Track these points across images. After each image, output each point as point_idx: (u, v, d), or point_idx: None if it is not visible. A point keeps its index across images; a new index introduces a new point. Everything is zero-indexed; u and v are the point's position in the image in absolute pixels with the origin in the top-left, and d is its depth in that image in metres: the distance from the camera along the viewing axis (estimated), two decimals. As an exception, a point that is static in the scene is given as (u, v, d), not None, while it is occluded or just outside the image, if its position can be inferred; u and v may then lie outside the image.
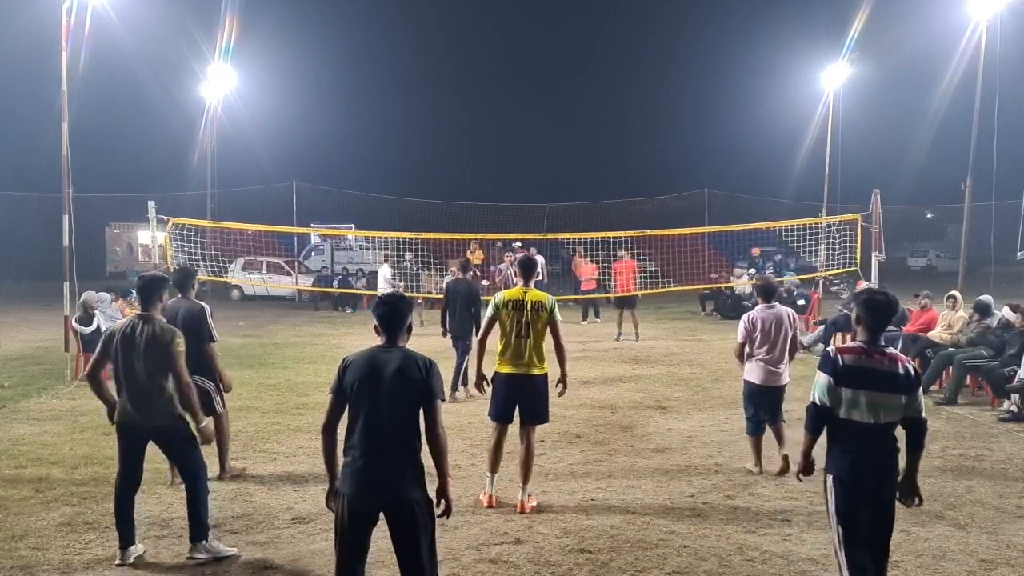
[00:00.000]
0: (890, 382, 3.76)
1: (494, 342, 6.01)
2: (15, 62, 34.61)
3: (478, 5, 77.69)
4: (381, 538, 3.84)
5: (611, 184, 46.06)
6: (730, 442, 7.73)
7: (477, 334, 9.83)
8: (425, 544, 3.65)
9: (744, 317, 6.98)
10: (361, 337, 15.11)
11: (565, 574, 4.78)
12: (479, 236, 22.33)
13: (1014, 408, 8.79)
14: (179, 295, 6.52)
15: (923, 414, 3.85)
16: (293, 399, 9.84)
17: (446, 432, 3.78)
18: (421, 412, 3.70)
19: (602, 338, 15.95)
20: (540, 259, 17.33)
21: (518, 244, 21.08)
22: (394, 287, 17.98)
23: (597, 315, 18.98)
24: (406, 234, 20.63)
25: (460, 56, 72.35)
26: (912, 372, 3.83)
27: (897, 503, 3.87)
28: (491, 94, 71.94)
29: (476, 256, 22.11)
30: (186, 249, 16.27)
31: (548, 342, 5.94)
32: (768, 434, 6.82)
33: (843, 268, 17.32)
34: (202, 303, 6.45)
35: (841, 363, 3.80)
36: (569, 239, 20.39)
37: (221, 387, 6.51)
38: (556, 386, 6.04)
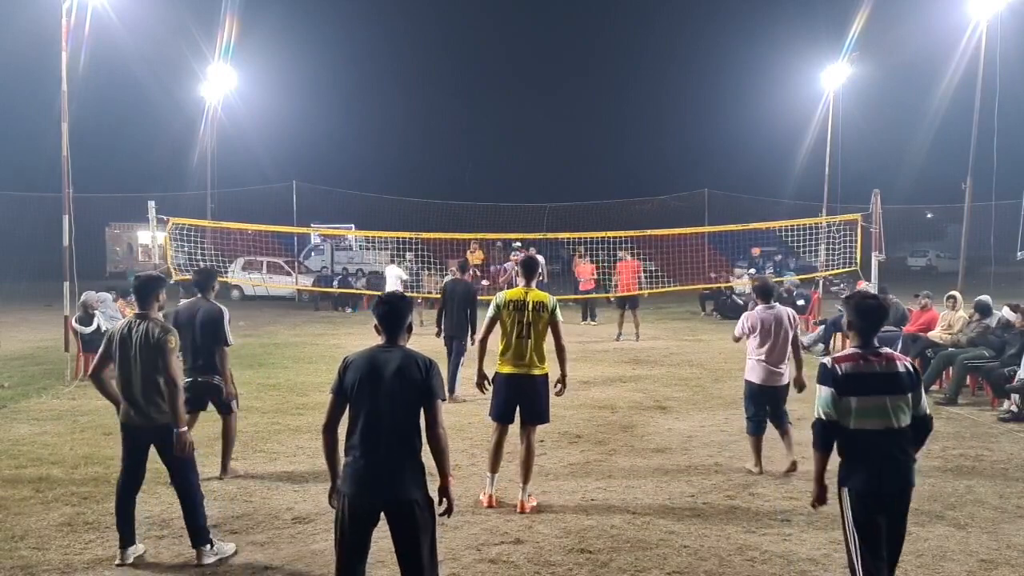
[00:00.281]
0: (893, 383, 3.73)
1: (494, 342, 6.01)
2: (15, 62, 34.68)
3: (478, 5, 77.80)
4: (381, 538, 3.84)
5: (611, 184, 46.13)
6: (730, 442, 7.73)
7: (472, 334, 9.89)
8: (425, 544, 3.65)
9: (744, 316, 7.02)
10: (361, 337, 15.11)
11: (565, 574, 4.78)
12: (479, 236, 22.33)
13: (1014, 408, 8.79)
14: (199, 295, 6.54)
15: (928, 412, 3.84)
16: (293, 399, 9.84)
17: (446, 432, 3.78)
18: (422, 412, 3.71)
19: (602, 338, 15.95)
20: (540, 259, 17.32)
21: (518, 244, 21.08)
22: (406, 284, 18.03)
23: (593, 317, 18.95)
24: (406, 234, 20.63)
25: (460, 56, 72.46)
26: (912, 369, 3.81)
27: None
28: (491, 94, 72.07)
29: (476, 256, 22.11)
30: (186, 249, 16.26)
31: (549, 342, 5.94)
32: (769, 434, 6.82)
33: (843, 268, 17.31)
34: (221, 306, 6.47)
35: (840, 372, 3.74)
36: (569, 239, 20.38)
37: (235, 388, 6.55)
38: (555, 386, 6.04)
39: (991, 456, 7.33)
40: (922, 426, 3.82)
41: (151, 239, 15.99)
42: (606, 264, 18.15)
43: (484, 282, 20.68)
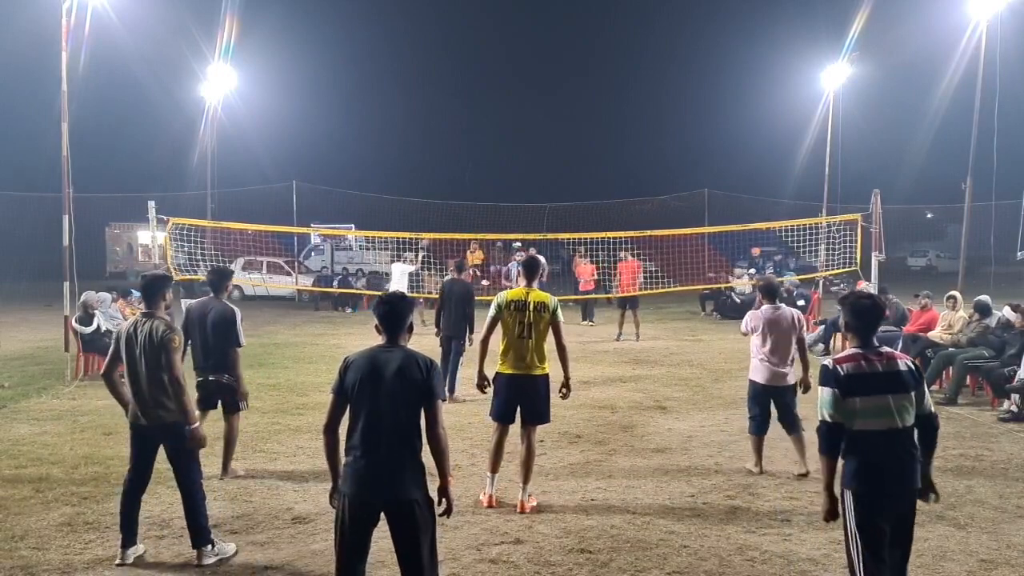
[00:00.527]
0: (896, 382, 3.70)
1: (495, 342, 6.00)
2: (15, 62, 34.68)
3: (478, 5, 77.71)
4: (381, 538, 3.84)
5: (611, 184, 46.08)
6: (730, 442, 7.73)
7: (470, 334, 9.89)
8: (426, 544, 3.65)
9: (748, 314, 7.03)
10: (361, 337, 15.12)
11: (565, 574, 4.78)
12: (479, 236, 22.34)
13: (1014, 408, 8.79)
14: (212, 295, 6.55)
15: (932, 410, 3.80)
16: (293, 399, 9.84)
17: (447, 432, 3.78)
18: (422, 412, 3.71)
19: (602, 338, 15.95)
20: (541, 259, 17.30)
21: (518, 244, 21.09)
22: (412, 278, 18.02)
23: (591, 318, 18.94)
24: (406, 234, 20.62)
25: (460, 56, 72.41)
26: (913, 367, 3.78)
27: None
28: (491, 94, 72.01)
29: (476, 256, 22.10)
30: (186, 249, 16.26)
31: (550, 342, 5.94)
32: (770, 435, 6.81)
33: (843, 268, 17.32)
34: (234, 307, 6.48)
35: (843, 373, 3.70)
36: (569, 239, 20.38)
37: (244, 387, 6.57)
38: (560, 390, 6.03)
39: (991, 456, 7.33)
40: (928, 425, 3.78)
41: (151, 239, 15.98)
42: (606, 264, 18.15)
43: (484, 282, 20.69)
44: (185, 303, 9.40)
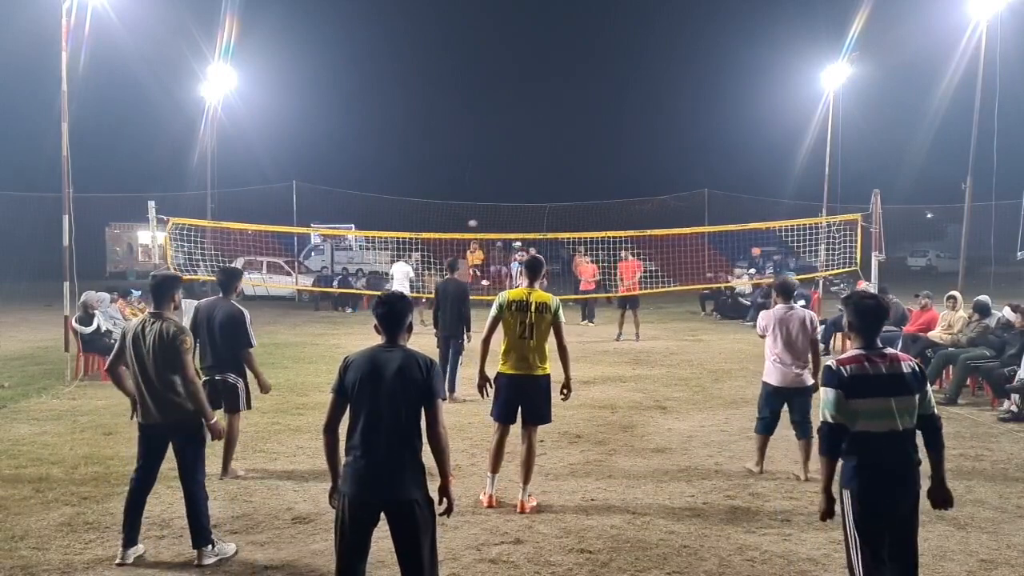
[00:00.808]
0: (899, 384, 3.66)
1: (496, 342, 6.00)
2: (15, 62, 34.68)
3: (478, 5, 77.77)
4: (381, 538, 3.84)
5: (611, 184, 46.02)
6: (730, 442, 7.73)
7: (467, 332, 9.90)
8: (426, 544, 3.65)
9: (762, 314, 6.99)
10: (361, 337, 15.11)
11: (565, 574, 4.78)
12: (479, 236, 22.36)
13: (1014, 408, 8.79)
14: (221, 295, 6.56)
15: (935, 411, 3.77)
16: (293, 399, 9.84)
17: (447, 432, 3.78)
18: (422, 411, 3.71)
19: (602, 338, 15.95)
20: (542, 260, 17.31)
21: (518, 244, 21.09)
22: (412, 283, 18.02)
23: (592, 318, 18.94)
24: (406, 234, 20.63)
25: (460, 56, 72.48)
26: (917, 369, 3.75)
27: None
28: (491, 94, 72.06)
29: (476, 256, 22.11)
30: (186, 249, 16.26)
31: (551, 343, 5.94)
32: (773, 436, 6.79)
33: (843, 268, 17.32)
34: (242, 307, 6.50)
35: (846, 374, 3.66)
36: (569, 239, 20.39)
37: (248, 388, 6.59)
38: (560, 392, 6.03)
39: (991, 456, 7.33)
40: (931, 426, 3.75)
41: (151, 239, 15.99)
42: (606, 264, 18.16)
43: (484, 282, 20.69)
44: (186, 303, 9.39)
